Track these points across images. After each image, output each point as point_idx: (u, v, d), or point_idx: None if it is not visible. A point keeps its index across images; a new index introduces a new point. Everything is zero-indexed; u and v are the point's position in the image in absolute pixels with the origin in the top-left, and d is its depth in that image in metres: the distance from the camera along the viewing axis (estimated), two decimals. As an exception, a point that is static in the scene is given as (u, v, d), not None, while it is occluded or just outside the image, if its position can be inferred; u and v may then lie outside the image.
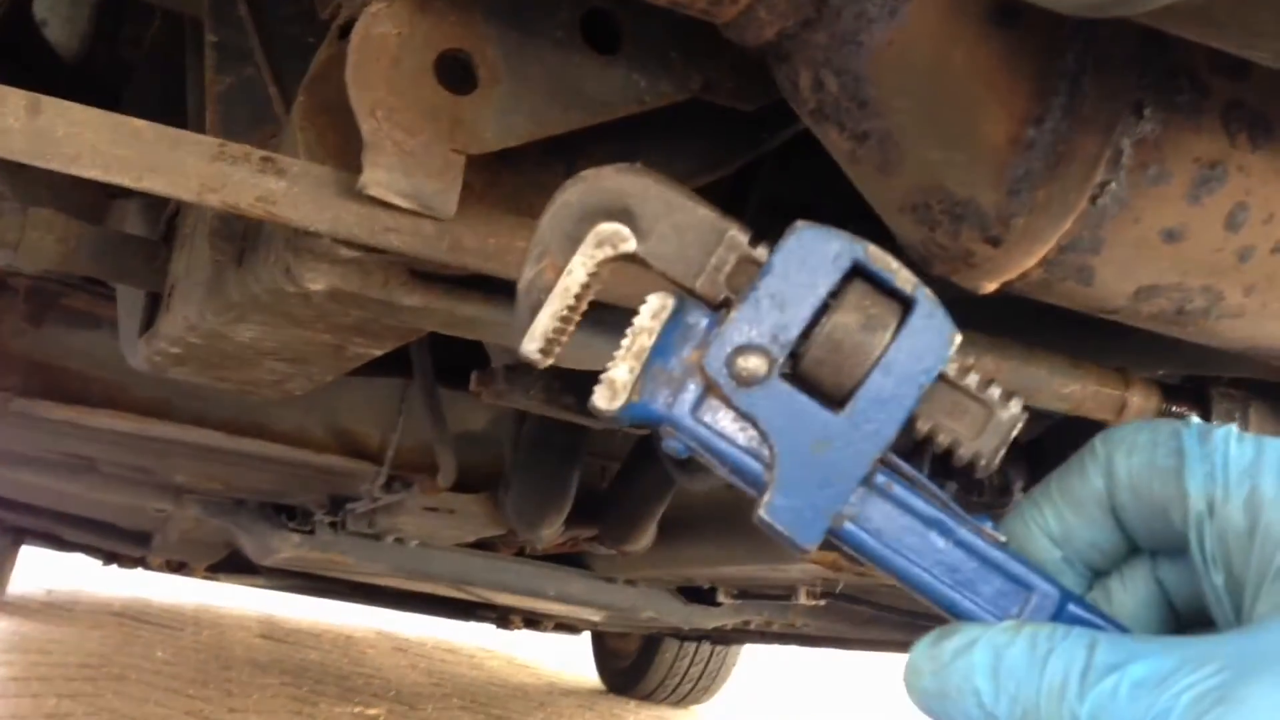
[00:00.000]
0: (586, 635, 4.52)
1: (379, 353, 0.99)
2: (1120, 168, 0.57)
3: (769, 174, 0.95)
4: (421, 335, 0.93)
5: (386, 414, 1.81)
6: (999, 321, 0.79)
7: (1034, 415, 0.94)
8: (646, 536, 1.87)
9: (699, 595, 2.75)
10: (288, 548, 2.43)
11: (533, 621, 3.96)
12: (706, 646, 4.06)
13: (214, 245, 0.90)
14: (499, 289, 0.81)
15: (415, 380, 1.57)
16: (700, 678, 4.13)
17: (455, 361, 1.56)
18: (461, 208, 0.70)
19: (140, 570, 3.97)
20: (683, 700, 4.22)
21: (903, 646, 3.07)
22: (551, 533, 1.77)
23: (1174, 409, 0.77)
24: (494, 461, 1.84)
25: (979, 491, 1.09)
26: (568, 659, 5.23)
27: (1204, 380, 0.79)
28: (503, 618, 3.97)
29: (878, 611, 2.50)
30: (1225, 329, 0.64)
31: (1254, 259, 0.60)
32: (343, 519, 2.21)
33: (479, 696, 3.73)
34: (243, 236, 0.89)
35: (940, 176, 0.60)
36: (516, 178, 0.79)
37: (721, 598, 2.72)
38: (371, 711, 3.08)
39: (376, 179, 0.68)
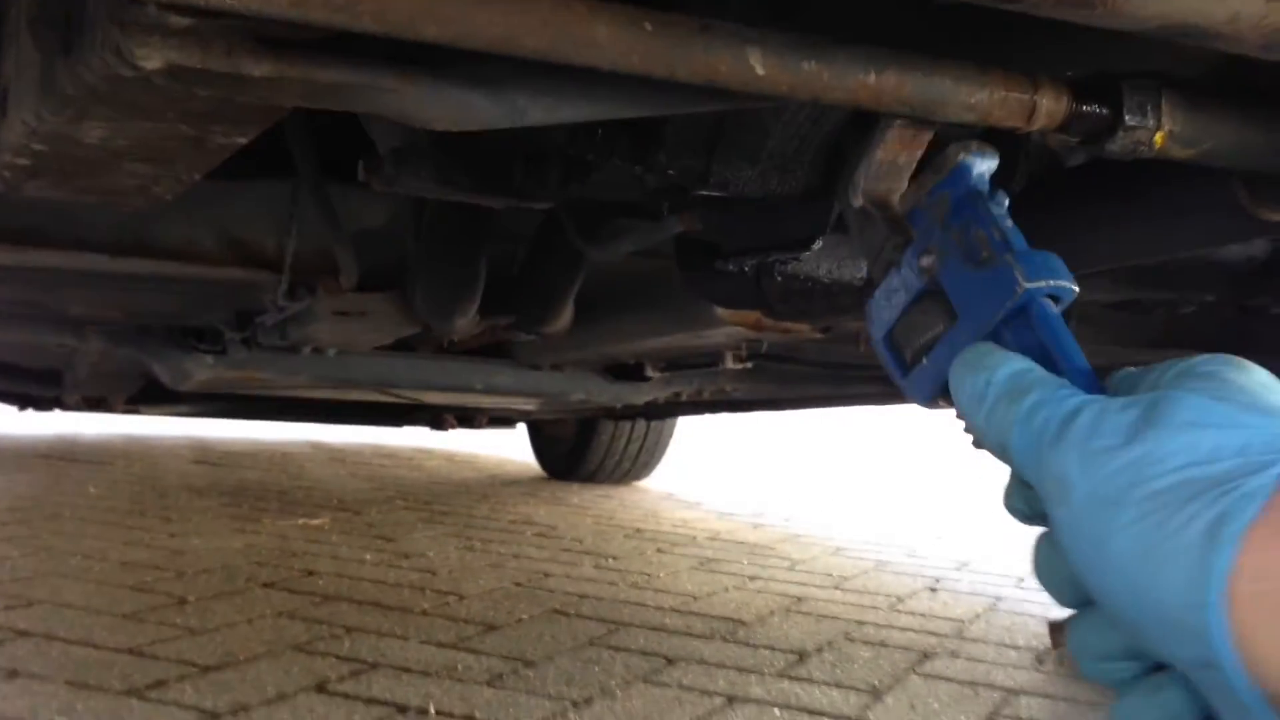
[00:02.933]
0: (523, 428, 4.58)
1: (244, 140, 0.91)
2: None
3: None
4: (284, 115, 0.86)
5: (279, 218, 1.73)
6: (902, 32, 0.74)
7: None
8: (564, 317, 1.84)
9: (627, 372, 2.76)
10: (202, 370, 2.38)
11: (466, 419, 3.99)
12: (642, 424, 4.13)
13: (36, 34, 0.81)
14: (361, 48, 0.74)
15: (300, 175, 1.49)
16: (639, 454, 4.22)
17: (344, 155, 1.48)
18: (298, -48, 0.63)
19: (58, 411, 3.90)
20: (624, 478, 4.32)
21: (830, 400, 3.14)
22: (466, 323, 1.73)
23: (1085, 108, 0.73)
24: (400, 257, 1.78)
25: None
26: (507, 452, 5.30)
27: (1114, 76, 0.75)
28: (436, 419, 3.98)
29: (805, 368, 2.53)
30: (1134, 8, 0.59)
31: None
32: (253, 334, 2.15)
33: (421, 495, 3.77)
34: (67, 21, 0.80)
35: None
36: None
37: (649, 372, 2.73)
38: (316, 521, 3.10)
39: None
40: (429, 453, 5.22)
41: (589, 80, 0.73)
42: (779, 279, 1.12)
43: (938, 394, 0.63)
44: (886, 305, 0.68)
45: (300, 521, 3.09)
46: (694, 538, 3.22)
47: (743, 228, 1.08)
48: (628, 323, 2.07)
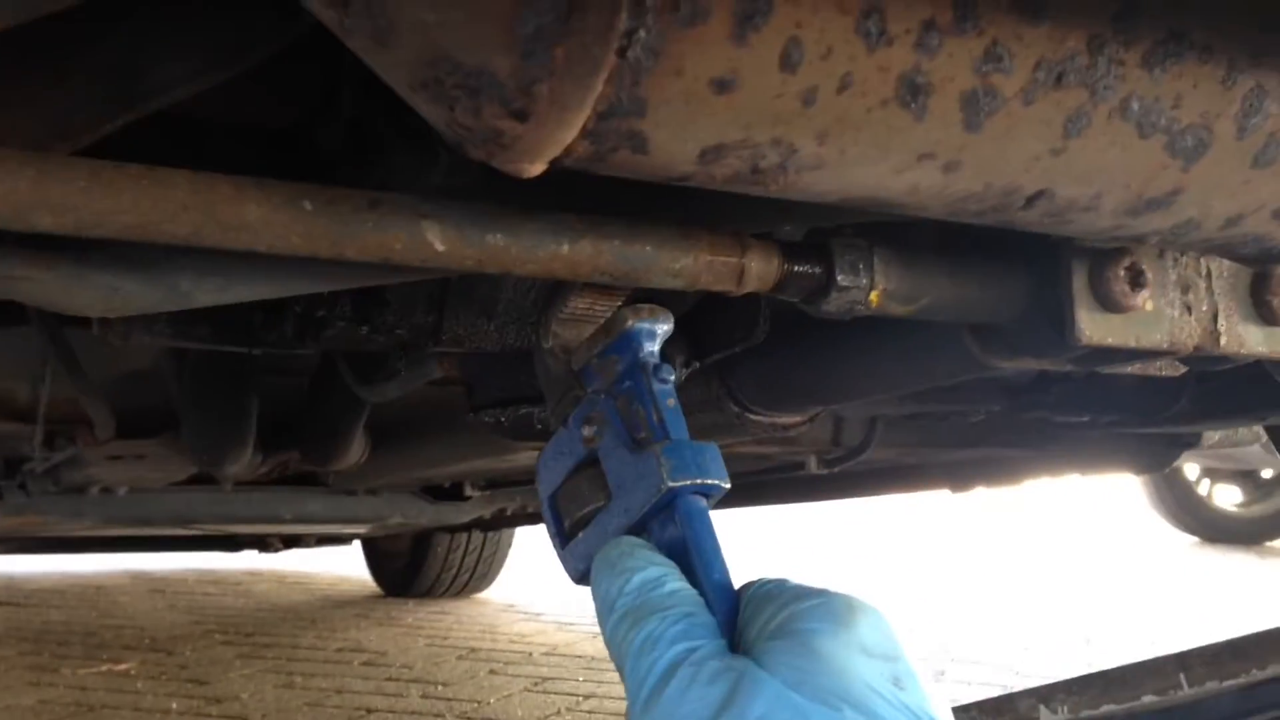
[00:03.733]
0: (358, 544, 4.41)
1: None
2: (646, 10, 0.47)
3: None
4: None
5: (32, 366, 1.61)
6: (599, 196, 0.69)
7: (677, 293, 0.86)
8: (353, 452, 1.75)
9: (446, 493, 2.67)
10: (-22, 516, 2.20)
11: (292, 541, 3.81)
12: (479, 535, 4.00)
13: None
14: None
15: (35, 326, 1.37)
16: (476, 565, 4.09)
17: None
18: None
19: None
20: (463, 590, 4.18)
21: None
22: (240, 467, 1.62)
23: (797, 268, 0.70)
24: (166, 401, 1.67)
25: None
26: (343, 569, 5.10)
27: (825, 233, 0.72)
28: (260, 542, 3.79)
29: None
30: (809, 183, 0.56)
31: (820, 102, 0.52)
32: (24, 481, 2.00)
33: (244, 626, 3.56)
34: None
35: (442, 42, 0.48)
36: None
37: (469, 492, 2.64)
38: (121, 666, 2.89)
39: None
40: (258, 575, 4.97)
41: (253, 261, 0.67)
42: (539, 427, 1.07)
43: (588, 577, 0.60)
44: (554, 465, 0.65)
45: (104, 668, 2.88)
46: (530, 654, 3.12)
47: (491, 380, 1.03)
48: (430, 449, 1.99)
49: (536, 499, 2.66)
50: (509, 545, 4.18)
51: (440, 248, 0.62)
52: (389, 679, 2.78)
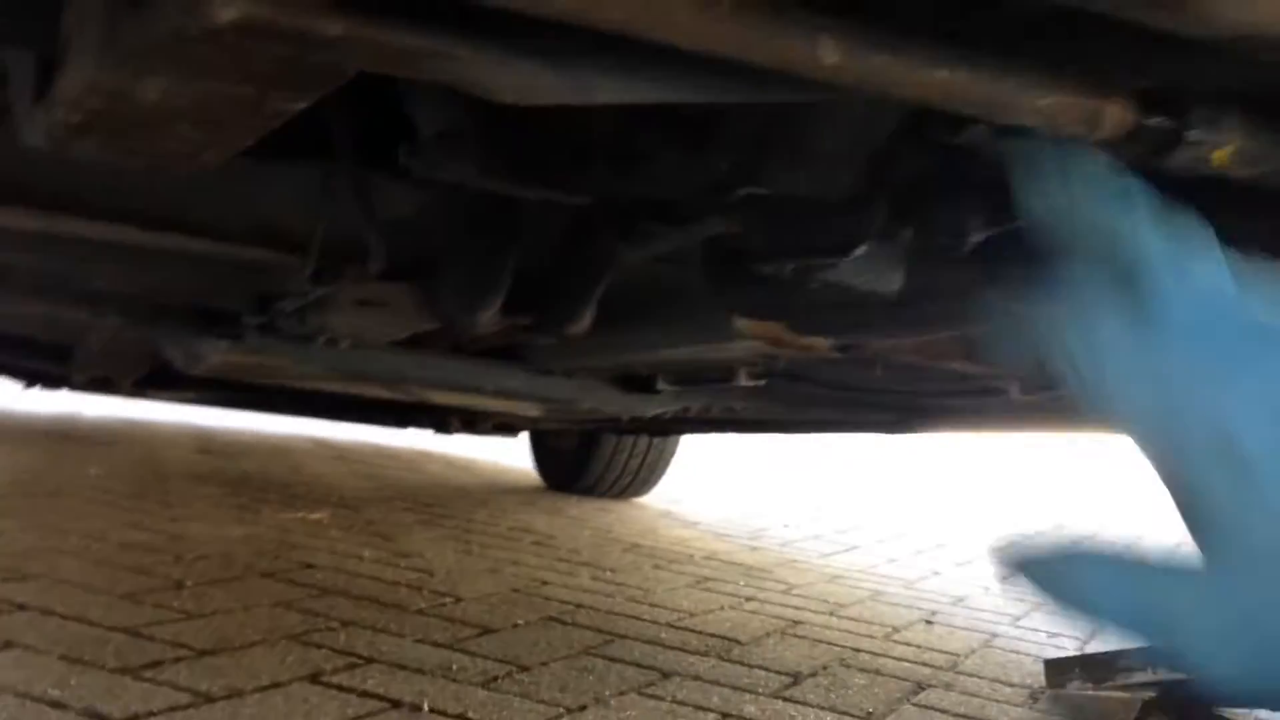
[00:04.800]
0: (524, 437, 4.57)
1: (302, 105, 0.91)
2: None
3: None
4: (346, 80, 0.86)
5: (310, 201, 1.73)
6: (973, 33, 0.74)
7: (988, 154, 0.90)
8: (585, 319, 1.83)
9: (637, 384, 2.76)
10: (216, 354, 2.37)
11: (470, 423, 3.97)
12: (644, 440, 4.11)
13: (104, -13, 0.81)
14: (433, 13, 0.74)
15: (339, 159, 1.49)
16: (640, 470, 4.20)
17: (379, 144, 1.48)
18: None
19: (64, 390, 3.90)
20: (623, 493, 4.30)
21: (839, 426, 3.13)
22: (489, 317, 1.73)
23: (1150, 120, 0.73)
24: (424, 249, 1.78)
25: (933, 236, 1.06)
26: (505, 460, 5.29)
27: (1182, 89, 0.75)
28: (440, 421, 3.97)
29: (816, 389, 2.52)
30: (1217, 10, 0.60)
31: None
32: (271, 319, 2.15)
33: (421, 497, 3.75)
34: (138, -29, 0.80)
35: None
36: None
37: (660, 384, 2.72)
38: (315, 515, 3.09)
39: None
40: (428, 456, 5.20)
41: (660, 61, 0.73)
42: (813, 286, 1.12)
43: None
44: None
45: (300, 514, 3.08)
46: (691, 556, 3.21)
47: (785, 230, 1.08)
48: (645, 331, 2.07)
49: (722, 400, 2.72)
50: (672, 454, 4.29)
51: (833, 59, 0.68)
52: (559, 559, 2.90)
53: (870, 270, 1.12)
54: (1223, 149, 0.74)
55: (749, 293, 1.27)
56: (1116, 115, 0.72)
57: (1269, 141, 0.75)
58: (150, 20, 0.78)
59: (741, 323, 1.69)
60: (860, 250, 1.03)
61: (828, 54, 0.68)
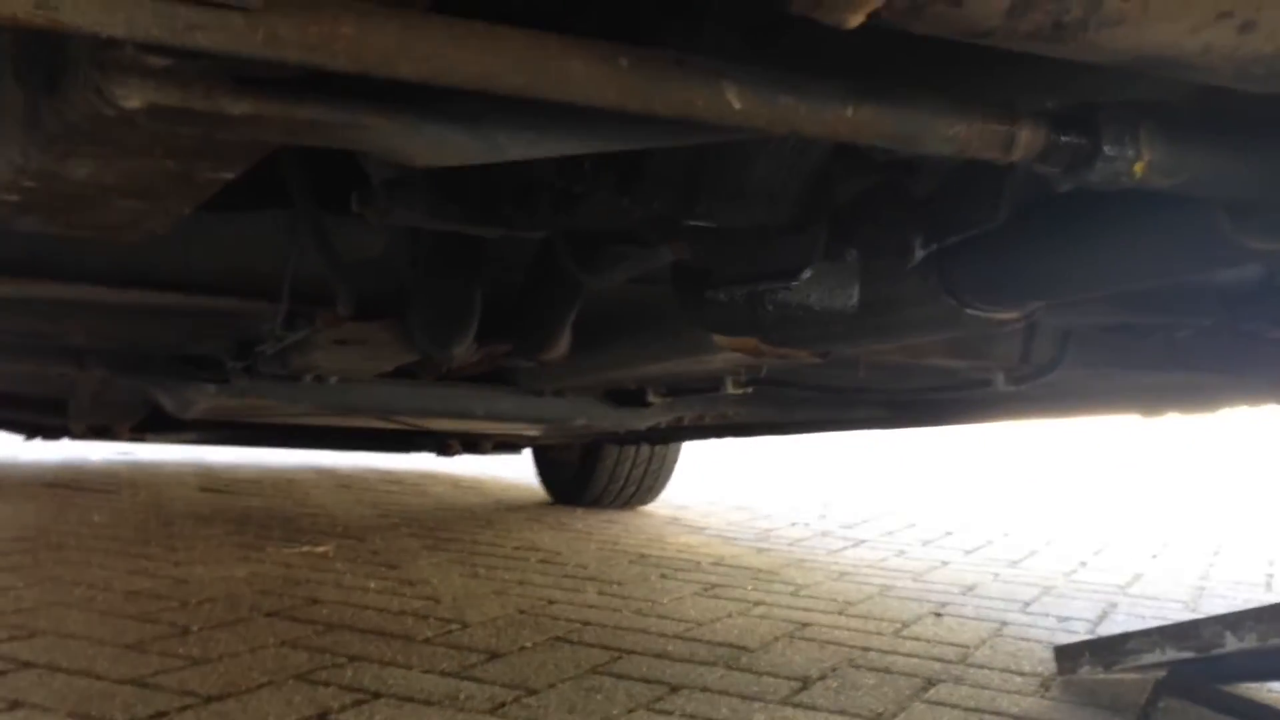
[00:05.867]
0: (529, 453, 4.58)
1: (231, 175, 0.92)
2: None
3: None
4: (270, 150, 0.86)
5: (278, 248, 1.73)
6: (878, 65, 0.74)
7: (927, 170, 0.91)
8: (561, 344, 1.84)
9: (628, 398, 2.76)
10: (204, 398, 2.38)
11: (471, 444, 3.99)
12: (646, 449, 4.12)
13: (19, 77, 0.81)
14: (337, 87, 0.74)
15: (297, 206, 1.49)
16: (643, 478, 4.21)
17: (340, 186, 1.49)
18: (271, -6, 0.63)
19: (65, 440, 3.91)
20: (628, 503, 4.31)
21: (831, 425, 3.13)
22: (463, 350, 1.73)
23: (1063, 138, 0.73)
24: (396, 286, 1.78)
25: (878, 254, 1.06)
26: (511, 477, 5.30)
27: (1092, 106, 0.75)
28: (441, 444, 3.98)
29: (804, 392, 2.53)
30: (1107, 40, 0.60)
31: (1132, -44, 0.55)
32: (254, 362, 2.16)
33: (426, 522, 3.76)
34: (50, 59, 0.80)
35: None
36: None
37: (651, 397, 2.73)
38: (320, 549, 3.09)
39: (161, -32, 0.60)
40: (434, 477, 5.21)
41: (566, 116, 0.73)
42: (770, 308, 1.12)
43: None
44: None
45: (305, 549, 3.09)
46: (698, 563, 3.21)
47: (733, 257, 1.09)
48: (626, 349, 2.07)
49: (713, 408, 2.74)
50: (674, 461, 4.29)
51: (737, 105, 0.68)
52: (566, 576, 2.90)
53: (822, 289, 1.13)
54: (1139, 162, 0.74)
55: (717, 311, 1.27)
56: (1028, 137, 0.72)
57: (1181, 152, 0.75)
58: (65, 106, 0.79)
59: (717, 338, 1.69)
60: (807, 273, 1.03)
61: (733, 101, 0.68)
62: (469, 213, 1.18)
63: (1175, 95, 0.77)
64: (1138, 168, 0.74)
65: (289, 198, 1.56)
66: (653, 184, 0.94)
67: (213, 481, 4.66)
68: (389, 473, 5.29)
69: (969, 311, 1.21)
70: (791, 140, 0.91)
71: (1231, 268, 1.22)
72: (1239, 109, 0.75)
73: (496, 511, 4.18)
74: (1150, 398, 2.24)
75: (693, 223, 0.97)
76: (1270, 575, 3.39)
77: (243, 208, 1.63)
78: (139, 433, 3.54)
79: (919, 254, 1.02)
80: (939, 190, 1.02)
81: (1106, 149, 0.73)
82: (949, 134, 0.71)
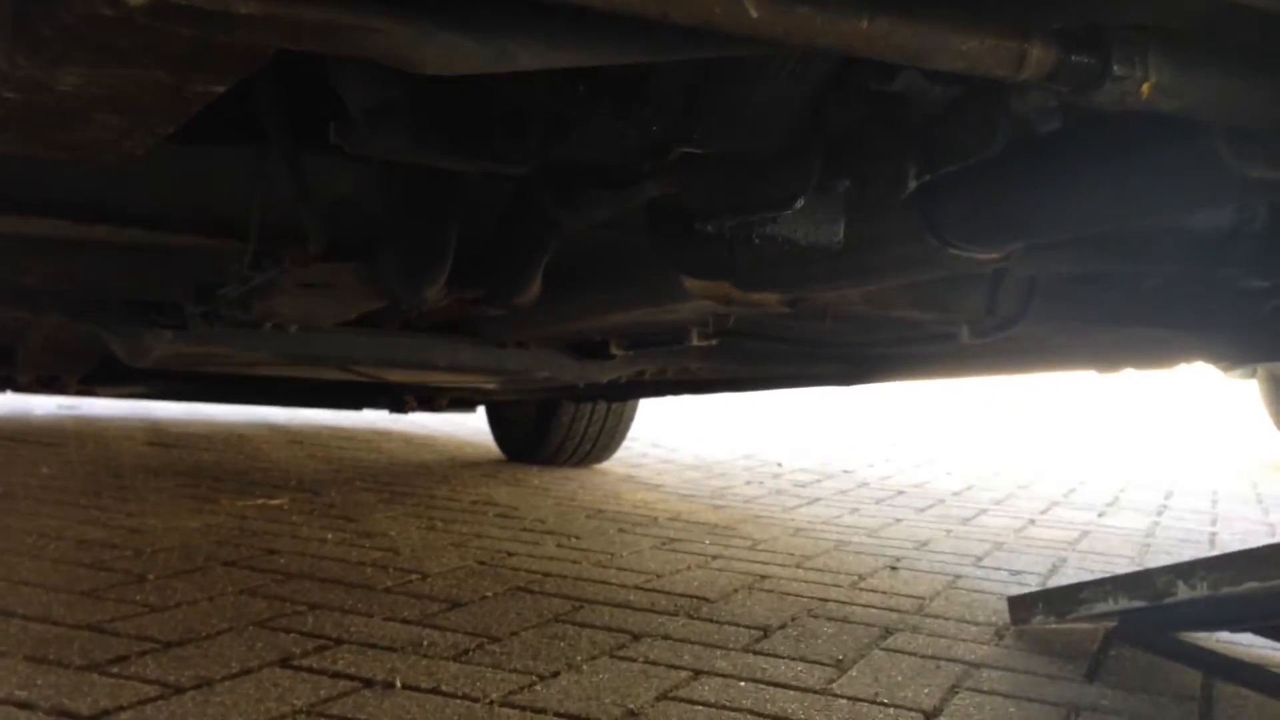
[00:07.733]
0: (482, 411, 4.56)
1: (221, 88, 0.89)
2: None
3: None
4: (265, 61, 0.84)
5: (247, 185, 1.70)
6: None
7: (918, 101, 0.91)
8: (533, 289, 1.83)
9: (591, 350, 2.76)
10: (161, 345, 2.34)
11: (427, 400, 3.96)
12: (602, 406, 4.12)
13: (12, -28, 0.79)
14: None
15: (271, 139, 1.46)
16: (599, 436, 4.21)
17: (309, 122, 1.46)
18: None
19: (9, 392, 3.83)
20: (583, 461, 4.31)
21: (794, 381, 3.15)
22: (435, 292, 1.71)
23: (1073, 57, 0.74)
24: (364, 228, 1.76)
25: (871, 184, 1.07)
26: (465, 435, 5.28)
27: (1100, 27, 0.76)
28: (396, 400, 3.95)
29: (769, 346, 2.54)
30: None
31: None
32: (215, 307, 2.12)
33: (382, 477, 3.74)
34: (44, -42, 0.78)
35: None
36: None
37: (614, 349, 2.72)
38: (275, 501, 3.07)
39: None
40: (386, 435, 5.18)
41: (580, 24, 0.72)
42: (755, 242, 1.12)
43: None
44: None
45: (259, 501, 3.06)
46: (655, 518, 3.23)
47: (722, 187, 1.08)
48: (594, 297, 2.07)
49: (676, 361, 2.74)
50: (630, 420, 4.29)
51: (754, 14, 0.67)
52: (524, 529, 2.91)
53: (810, 222, 1.13)
54: (1147, 82, 0.75)
55: (694, 253, 1.27)
56: (1039, 55, 0.72)
57: (1189, 74, 0.76)
58: (61, 7, 0.76)
59: (690, 283, 1.69)
60: (799, 203, 1.03)
61: (750, 9, 0.68)
62: (455, 143, 1.17)
63: (1182, 18, 0.77)
64: (1145, 88, 0.75)
65: (259, 133, 1.54)
66: (651, 106, 0.93)
67: (162, 436, 4.59)
68: (341, 429, 5.25)
69: (951, 251, 1.21)
70: (789, 65, 0.90)
71: (1216, 206, 1.24)
72: (1243, 35, 0.76)
73: (451, 468, 4.17)
74: (1108, 353, 2.27)
75: (687, 149, 0.97)
76: (1214, 533, 3.47)
77: (211, 141, 1.60)
78: (87, 385, 3.48)
79: (912, 184, 1.02)
80: (933, 119, 1.02)
81: (1116, 69, 0.74)
82: (962, 49, 0.71)
